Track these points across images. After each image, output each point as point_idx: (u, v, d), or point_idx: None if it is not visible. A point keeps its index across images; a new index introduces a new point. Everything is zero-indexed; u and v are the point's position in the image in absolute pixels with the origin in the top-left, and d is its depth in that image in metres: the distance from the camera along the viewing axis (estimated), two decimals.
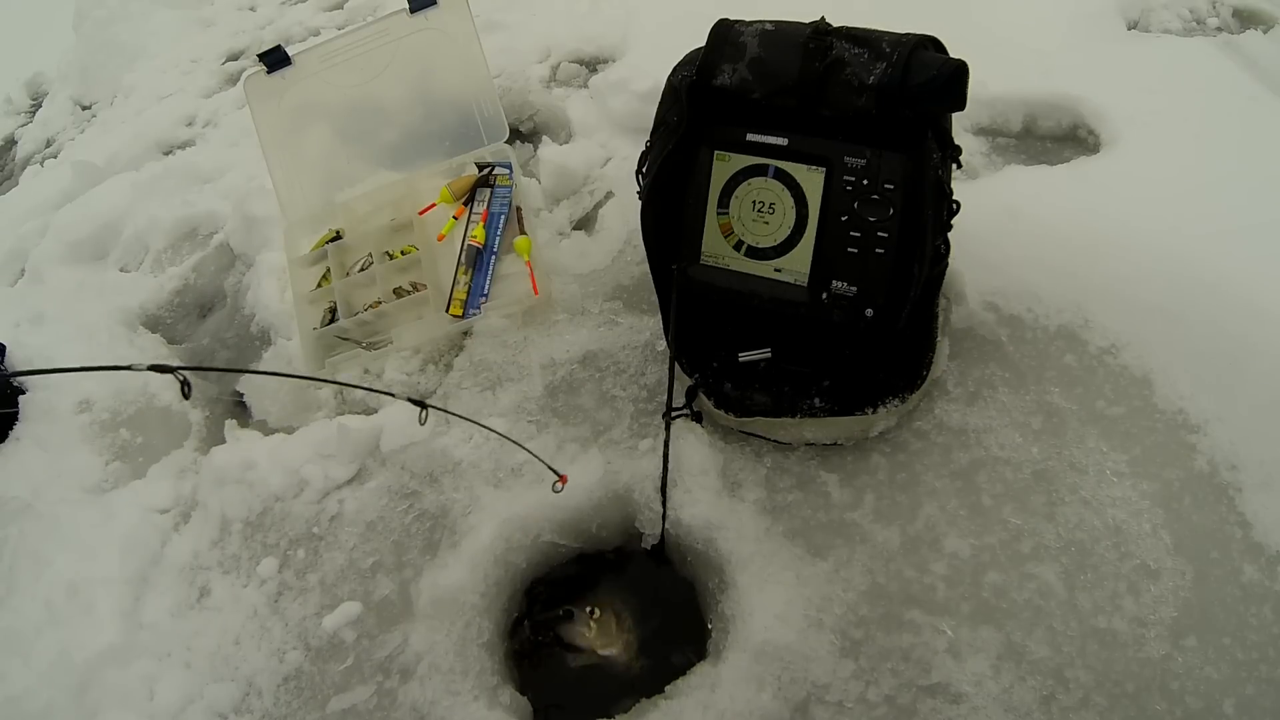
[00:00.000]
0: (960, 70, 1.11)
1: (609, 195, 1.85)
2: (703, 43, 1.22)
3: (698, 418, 1.40)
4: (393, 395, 1.16)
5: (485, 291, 1.68)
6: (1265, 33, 1.87)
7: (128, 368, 0.88)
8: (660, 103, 1.30)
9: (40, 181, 2.85)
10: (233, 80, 2.92)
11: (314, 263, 1.82)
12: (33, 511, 1.59)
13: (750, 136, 1.21)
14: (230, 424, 1.68)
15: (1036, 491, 1.25)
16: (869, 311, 1.16)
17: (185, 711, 1.31)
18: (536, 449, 1.46)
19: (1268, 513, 1.17)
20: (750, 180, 1.22)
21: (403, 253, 1.76)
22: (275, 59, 1.82)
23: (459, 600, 1.32)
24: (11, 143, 3.58)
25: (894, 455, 1.33)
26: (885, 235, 1.14)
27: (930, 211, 1.14)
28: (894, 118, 1.12)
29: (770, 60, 1.16)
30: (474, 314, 1.65)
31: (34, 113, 3.65)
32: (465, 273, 1.68)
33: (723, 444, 1.39)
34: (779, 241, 1.21)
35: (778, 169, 1.20)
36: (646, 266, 1.34)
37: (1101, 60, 1.79)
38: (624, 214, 1.76)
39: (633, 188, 1.35)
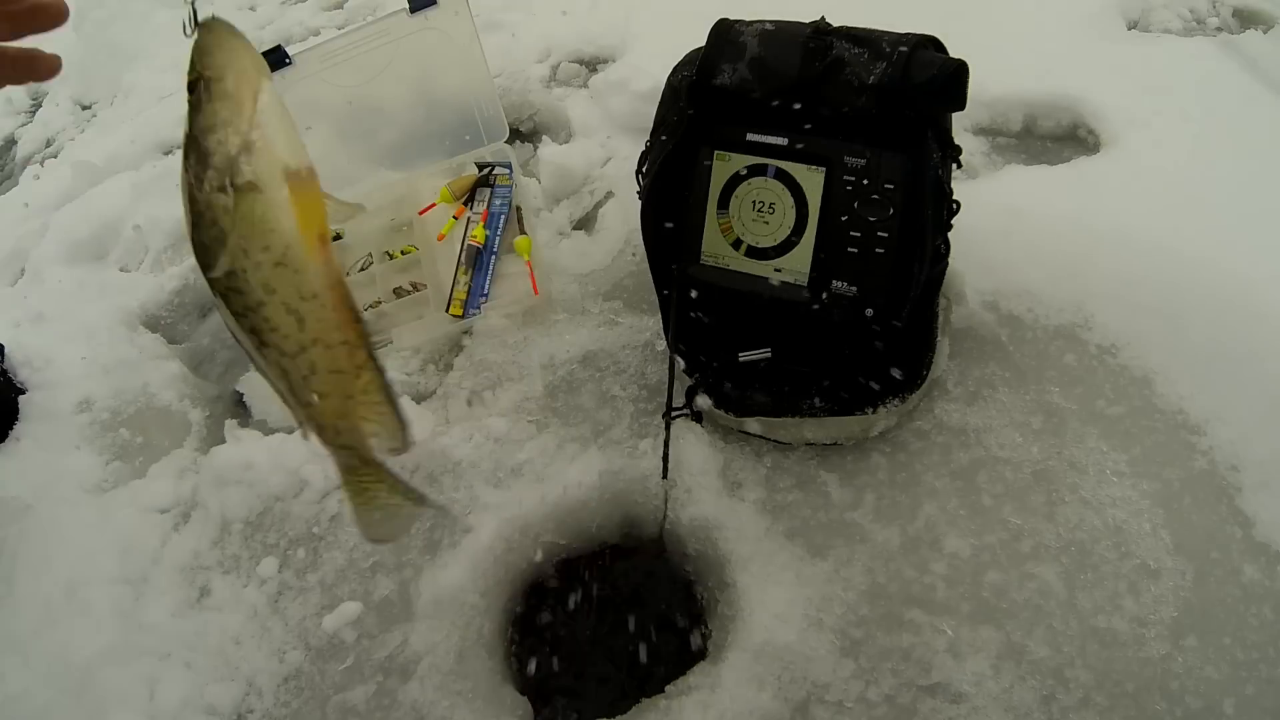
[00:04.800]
0: (960, 70, 1.11)
1: (609, 195, 1.85)
2: (703, 43, 1.22)
3: (698, 418, 1.40)
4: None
5: (485, 291, 1.68)
6: (1265, 33, 1.86)
7: None
8: (660, 103, 1.30)
9: (40, 181, 2.85)
10: None
11: None
12: (33, 511, 1.59)
13: (750, 136, 1.21)
14: (230, 424, 1.67)
15: (1036, 491, 1.25)
16: (869, 311, 1.17)
17: (185, 711, 1.31)
18: (536, 449, 1.46)
19: (1268, 513, 1.17)
20: (750, 180, 1.22)
21: (403, 253, 1.76)
22: (275, 59, 1.81)
23: (459, 600, 1.32)
24: (11, 143, 3.58)
25: (894, 455, 1.33)
26: (885, 235, 1.14)
27: (930, 211, 1.14)
28: (894, 117, 1.12)
29: (770, 60, 1.16)
30: (474, 314, 1.65)
31: (34, 113, 3.64)
32: (465, 273, 1.68)
33: (723, 444, 1.39)
34: (779, 241, 1.21)
35: (778, 169, 1.20)
36: (646, 266, 1.34)
37: (1101, 60, 1.79)
38: (624, 214, 1.76)
39: (633, 188, 1.35)
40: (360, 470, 0.80)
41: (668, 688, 1.23)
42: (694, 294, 1.27)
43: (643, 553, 1.43)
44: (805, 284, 1.20)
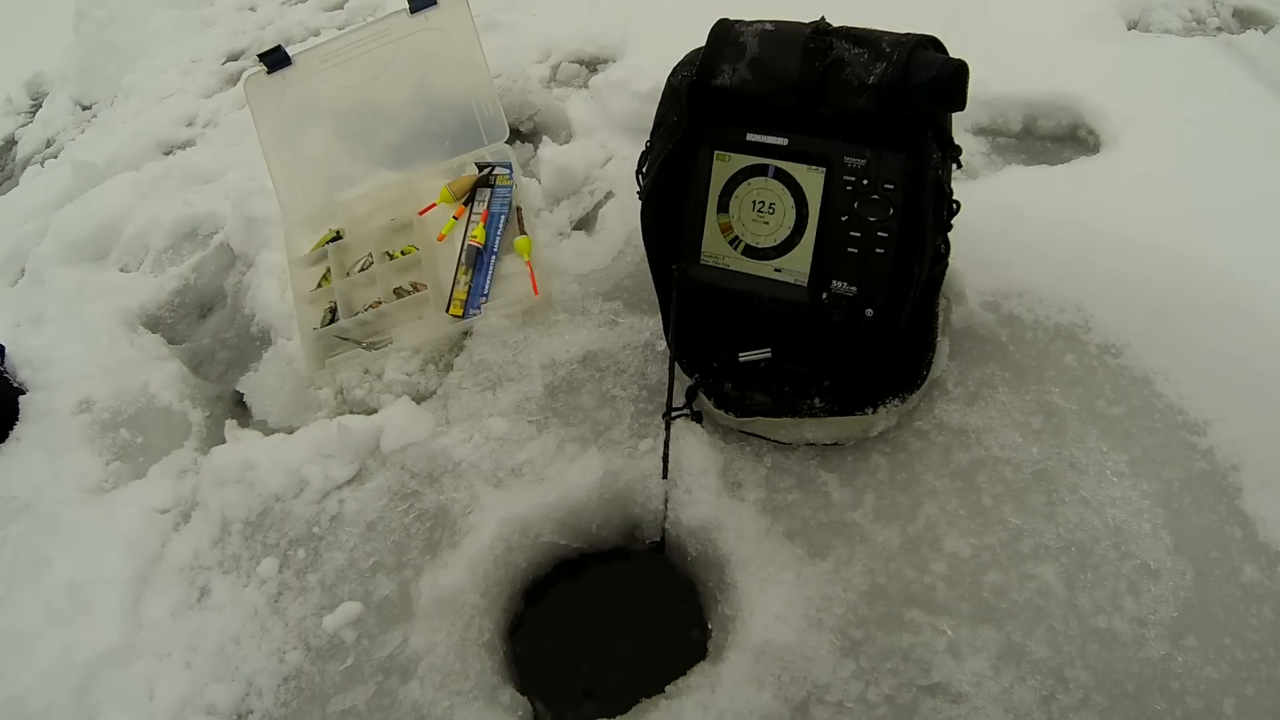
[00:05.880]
0: (960, 70, 1.11)
1: (609, 195, 1.85)
2: (703, 43, 1.22)
3: (698, 418, 1.40)
4: None
5: (485, 291, 1.68)
6: (1265, 33, 1.86)
7: None
8: (660, 103, 1.30)
9: (40, 181, 2.85)
10: (233, 80, 2.92)
11: (314, 263, 1.82)
12: (33, 511, 1.59)
13: (750, 136, 1.21)
14: (230, 424, 1.68)
15: (1036, 491, 1.25)
16: (869, 311, 1.16)
17: (185, 711, 1.31)
18: (536, 449, 1.46)
19: (1268, 513, 1.17)
20: (750, 180, 1.22)
21: (403, 253, 1.76)
22: (275, 59, 1.82)
23: (459, 600, 1.32)
24: (11, 143, 3.58)
25: (894, 455, 1.33)
26: (885, 235, 1.14)
27: (930, 211, 1.14)
28: (894, 118, 1.12)
29: (770, 60, 1.16)
30: (474, 314, 1.65)
31: (34, 113, 3.65)
32: (465, 273, 1.68)
33: (723, 444, 1.39)
34: (779, 241, 1.21)
35: (778, 169, 1.20)
36: (646, 266, 1.34)
37: (1101, 60, 1.79)
38: (624, 214, 1.76)
39: (633, 188, 1.35)
40: None
41: (668, 688, 1.23)
42: (694, 294, 1.27)
43: (643, 553, 1.43)
44: (805, 284, 1.20)
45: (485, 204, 1.77)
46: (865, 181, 1.15)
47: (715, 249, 1.25)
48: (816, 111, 1.16)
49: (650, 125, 1.32)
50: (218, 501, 1.52)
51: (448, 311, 1.65)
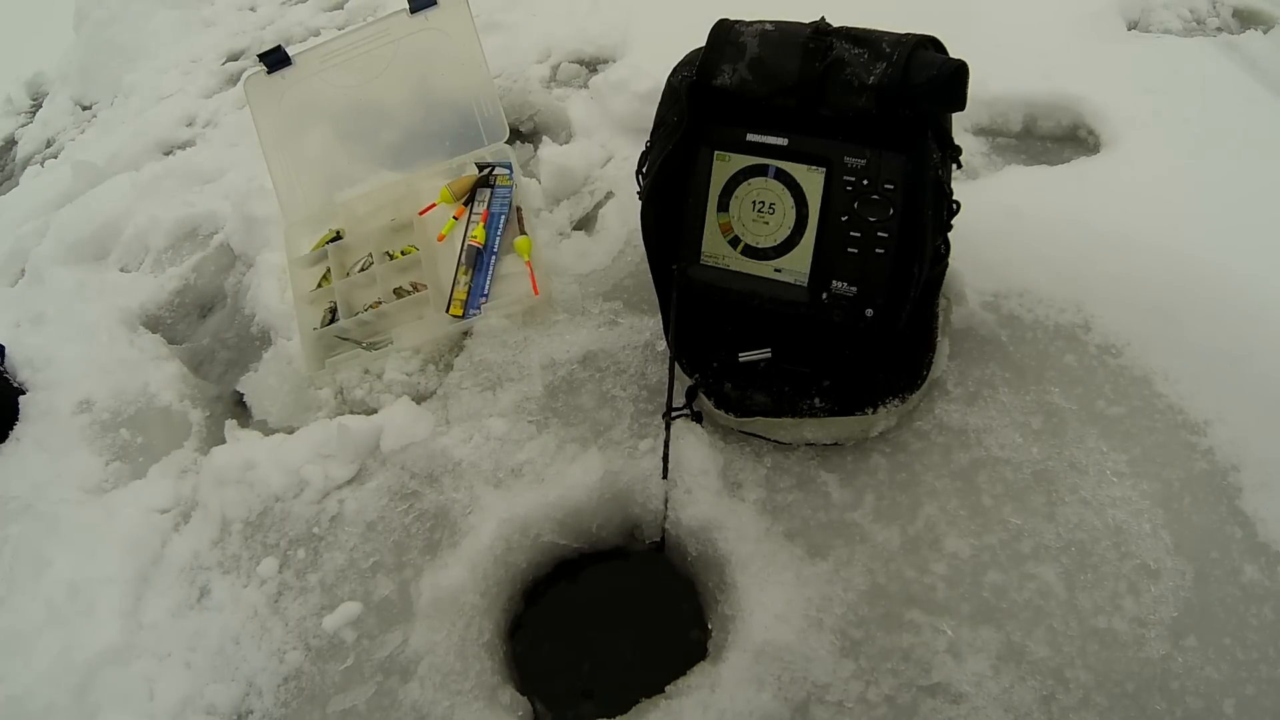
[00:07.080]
0: (960, 70, 1.11)
1: (609, 195, 1.85)
2: (703, 43, 1.22)
3: (698, 418, 1.40)
4: None
5: (485, 291, 1.68)
6: (1265, 33, 1.86)
7: None
8: (660, 103, 1.30)
9: (40, 181, 2.85)
10: (233, 80, 2.92)
11: (314, 263, 1.82)
12: (33, 511, 1.59)
13: (750, 136, 1.21)
14: (230, 424, 1.68)
15: (1036, 491, 1.25)
16: (869, 311, 1.16)
17: (185, 711, 1.31)
18: (537, 449, 1.46)
19: (1268, 513, 1.17)
20: (750, 180, 1.22)
21: (403, 253, 1.76)
22: (275, 59, 1.82)
23: (459, 600, 1.32)
24: (11, 143, 3.58)
25: (894, 455, 1.33)
26: (885, 235, 1.14)
27: (930, 211, 1.14)
28: (894, 118, 1.12)
29: (770, 60, 1.16)
30: (474, 314, 1.65)
31: (34, 113, 3.65)
32: (465, 273, 1.68)
33: (723, 444, 1.39)
34: (779, 241, 1.21)
35: (778, 169, 1.20)
36: (646, 266, 1.34)
37: (1101, 60, 1.79)
38: (624, 214, 1.76)
39: (633, 188, 1.35)
40: None
41: (668, 688, 1.23)
42: (694, 294, 1.27)
43: (643, 553, 1.43)
44: (805, 284, 1.20)
45: (485, 204, 1.77)
46: (865, 181, 1.15)
47: (715, 249, 1.25)
48: (816, 111, 1.16)
49: (650, 125, 1.32)
50: (218, 501, 1.52)
51: (448, 311, 1.65)
